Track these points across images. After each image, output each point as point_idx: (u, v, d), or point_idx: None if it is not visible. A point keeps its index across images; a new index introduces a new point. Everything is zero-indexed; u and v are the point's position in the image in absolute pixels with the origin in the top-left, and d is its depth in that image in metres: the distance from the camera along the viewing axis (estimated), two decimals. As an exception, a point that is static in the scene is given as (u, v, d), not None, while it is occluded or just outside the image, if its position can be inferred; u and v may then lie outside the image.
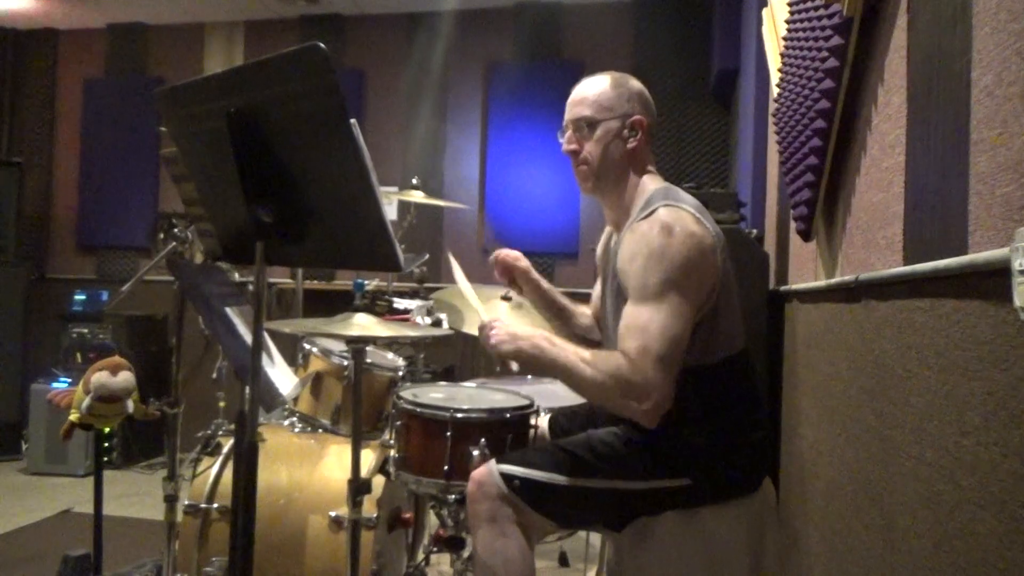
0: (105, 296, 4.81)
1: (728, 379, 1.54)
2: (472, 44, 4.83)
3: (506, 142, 4.73)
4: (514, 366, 1.56)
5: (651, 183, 1.61)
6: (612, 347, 1.52)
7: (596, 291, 1.86)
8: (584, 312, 1.94)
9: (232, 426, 2.49)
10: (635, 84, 1.66)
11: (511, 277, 1.92)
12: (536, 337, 1.52)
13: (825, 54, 1.44)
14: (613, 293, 1.60)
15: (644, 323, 1.40)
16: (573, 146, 1.64)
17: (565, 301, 1.94)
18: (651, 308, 1.40)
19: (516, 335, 1.54)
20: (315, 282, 4.59)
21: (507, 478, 1.50)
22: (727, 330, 1.53)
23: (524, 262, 1.91)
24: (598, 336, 1.86)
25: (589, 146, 1.62)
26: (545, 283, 1.94)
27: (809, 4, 1.65)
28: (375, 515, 1.96)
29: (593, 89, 1.64)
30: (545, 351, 1.50)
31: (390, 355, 2.55)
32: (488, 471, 1.53)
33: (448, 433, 1.72)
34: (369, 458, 2.06)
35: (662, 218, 1.45)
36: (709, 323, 1.48)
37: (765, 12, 2.39)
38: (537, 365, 1.53)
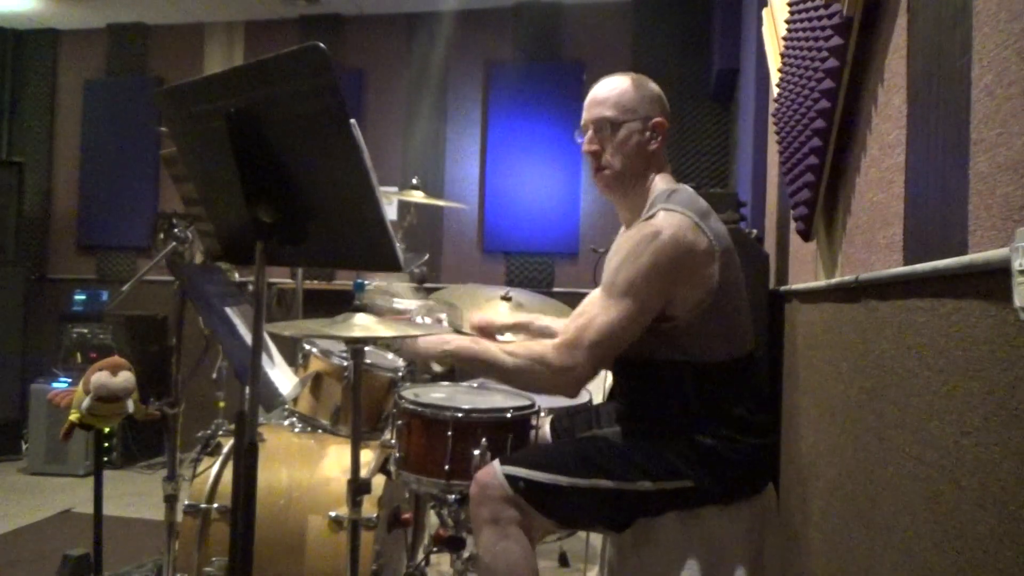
0: (105, 296, 4.82)
1: (733, 380, 1.54)
2: (472, 44, 4.83)
3: (506, 142, 4.73)
4: (435, 366, 1.76)
5: (661, 184, 1.63)
6: None
7: None
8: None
9: (232, 426, 2.49)
10: (654, 86, 1.67)
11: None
12: (462, 339, 1.67)
13: (825, 54, 1.44)
14: None
15: (594, 314, 1.48)
16: (595, 147, 1.64)
17: (543, 321, 2.01)
18: (606, 304, 1.48)
19: (444, 339, 1.66)
20: (315, 282, 4.59)
21: (512, 480, 1.49)
22: (727, 331, 1.53)
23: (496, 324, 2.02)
24: None
25: (611, 148, 1.62)
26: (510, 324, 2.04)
27: (809, 4, 1.65)
28: (375, 515, 1.96)
29: (615, 90, 1.63)
30: (469, 349, 1.61)
31: (390, 355, 2.54)
32: (492, 473, 1.51)
33: (449, 433, 1.72)
34: (369, 458, 2.06)
35: (655, 223, 1.48)
36: (700, 324, 1.49)
37: (765, 12, 2.39)
38: (463, 363, 1.64)
